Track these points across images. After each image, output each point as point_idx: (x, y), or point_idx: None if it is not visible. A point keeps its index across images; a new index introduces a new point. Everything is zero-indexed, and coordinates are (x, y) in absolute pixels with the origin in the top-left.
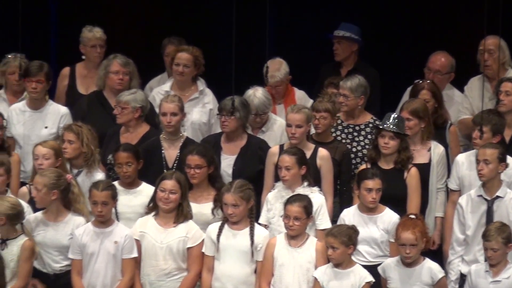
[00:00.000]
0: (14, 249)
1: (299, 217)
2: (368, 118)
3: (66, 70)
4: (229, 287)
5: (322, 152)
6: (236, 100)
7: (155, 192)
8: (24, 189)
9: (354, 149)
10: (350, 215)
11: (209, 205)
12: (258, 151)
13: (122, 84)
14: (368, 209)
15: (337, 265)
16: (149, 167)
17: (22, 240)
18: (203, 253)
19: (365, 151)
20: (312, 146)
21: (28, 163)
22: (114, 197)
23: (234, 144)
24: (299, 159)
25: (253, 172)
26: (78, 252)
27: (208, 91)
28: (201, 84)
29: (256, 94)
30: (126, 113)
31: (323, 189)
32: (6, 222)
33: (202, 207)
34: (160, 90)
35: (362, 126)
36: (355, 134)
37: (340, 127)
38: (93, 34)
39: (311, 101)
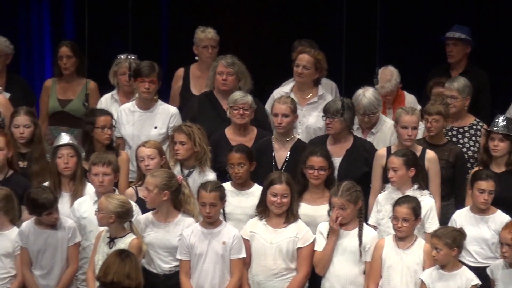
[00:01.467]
0: (121, 247)
1: (408, 219)
2: (472, 120)
3: (180, 71)
4: (338, 287)
5: (430, 154)
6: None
7: (264, 195)
8: (131, 190)
9: None
10: (462, 216)
11: (325, 207)
12: (364, 153)
13: (226, 85)
14: (480, 210)
15: (443, 267)
16: (259, 167)
17: (129, 238)
18: (314, 251)
19: (470, 153)
20: (419, 148)
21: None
22: (222, 198)
23: (340, 146)
24: (408, 160)
25: (358, 174)
26: (186, 253)
27: (329, 97)
28: (321, 89)
29: (366, 94)
30: (248, 114)
31: (431, 191)
32: (116, 220)
33: (317, 209)
34: (280, 91)
35: (466, 128)
36: (460, 136)
37: (443, 130)
38: (205, 34)
39: (419, 106)
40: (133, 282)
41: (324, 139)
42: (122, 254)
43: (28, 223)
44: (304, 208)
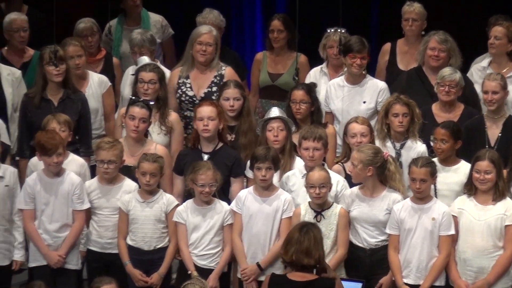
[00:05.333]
0: (331, 218)
1: None
2: None
3: (387, 46)
4: None
5: None
6: None
7: (471, 172)
8: (338, 166)
9: None
10: None
11: None
12: None
13: (438, 61)
14: None
15: None
16: (471, 145)
17: (337, 208)
18: None
19: None
20: None
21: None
22: (433, 174)
23: None
24: None
25: None
26: (395, 227)
27: None
28: None
29: None
30: (454, 92)
31: None
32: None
33: None
34: (478, 66)
35: None
36: None
37: None
38: (408, 8)
39: None
40: (312, 260)
41: None
42: (303, 229)
43: (246, 189)
44: None
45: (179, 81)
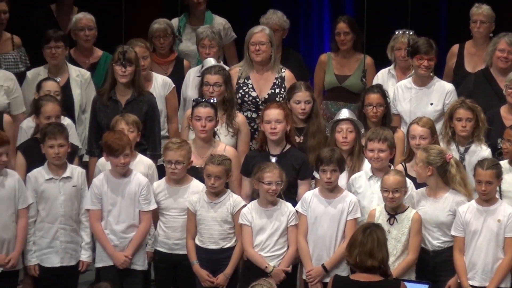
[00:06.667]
0: (404, 222)
1: None
2: None
3: (455, 48)
4: None
5: None
6: None
7: None
8: (400, 166)
9: None
10: None
11: None
12: None
13: (507, 63)
14: None
15: None
16: None
17: (411, 212)
18: None
19: None
20: None
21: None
22: (498, 176)
23: None
24: None
25: None
26: (461, 230)
27: None
28: None
29: None
30: None
31: None
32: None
33: None
34: None
35: None
36: None
37: None
38: (476, 10)
39: None
40: (375, 261)
41: None
42: (366, 231)
43: (311, 191)
44: None
45: (239, 81)
